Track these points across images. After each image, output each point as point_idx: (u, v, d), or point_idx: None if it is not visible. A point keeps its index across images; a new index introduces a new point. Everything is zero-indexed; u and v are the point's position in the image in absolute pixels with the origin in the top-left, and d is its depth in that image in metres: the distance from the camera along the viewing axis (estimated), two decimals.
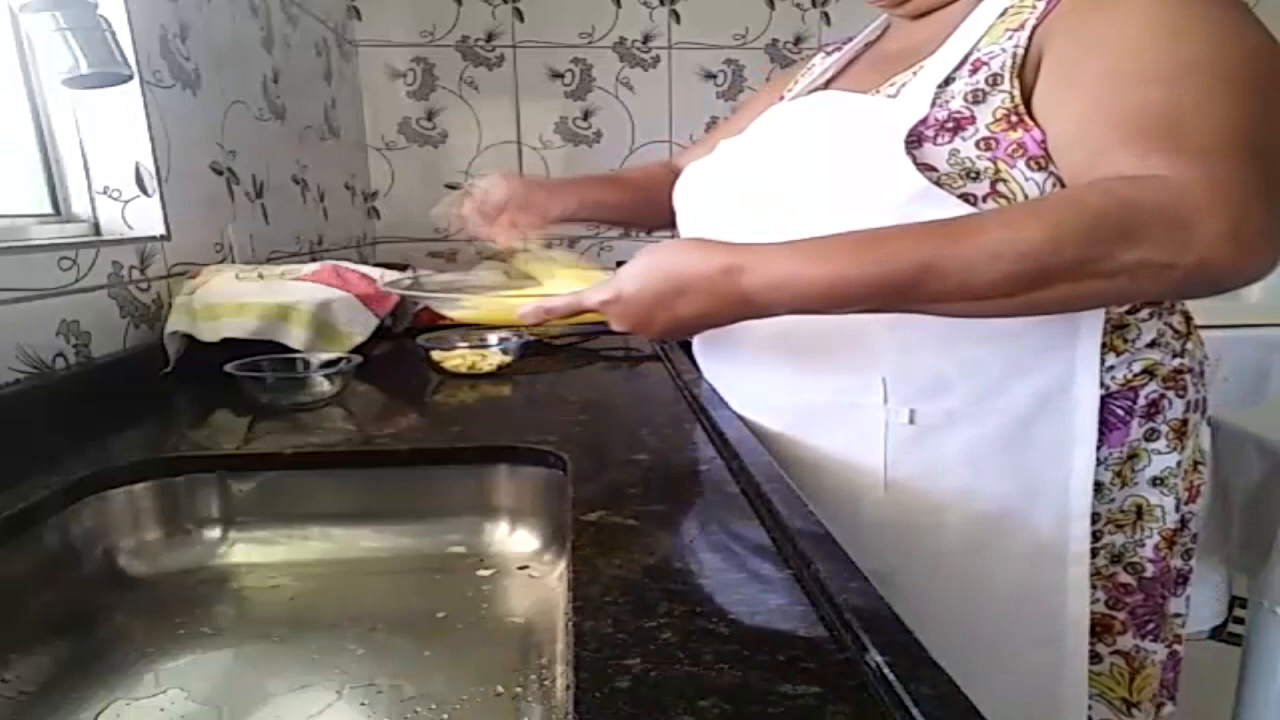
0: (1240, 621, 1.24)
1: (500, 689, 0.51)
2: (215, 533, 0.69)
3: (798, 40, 2.10)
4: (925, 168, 0.56)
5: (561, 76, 2.06)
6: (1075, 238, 0.47)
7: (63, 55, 0.76)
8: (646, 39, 2.06)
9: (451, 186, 2.09)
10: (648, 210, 0.96)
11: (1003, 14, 0.59)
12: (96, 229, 0.99)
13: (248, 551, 0.68)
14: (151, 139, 1.00)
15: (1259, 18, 0.52)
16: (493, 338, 1.06)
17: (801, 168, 0.65)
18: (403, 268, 1.24)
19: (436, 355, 0.97)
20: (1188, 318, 0.68)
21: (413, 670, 0.53)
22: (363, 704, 0.50)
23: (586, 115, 2.09)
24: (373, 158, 2.05)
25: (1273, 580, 1.08)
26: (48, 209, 0.96)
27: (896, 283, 0.50)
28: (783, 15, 2.08)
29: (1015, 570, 0.64)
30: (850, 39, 0.83)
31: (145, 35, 0.99)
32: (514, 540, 0.70)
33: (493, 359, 0.97)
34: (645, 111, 2.11)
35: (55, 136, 0.96)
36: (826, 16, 2.09)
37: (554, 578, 0.65)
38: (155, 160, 1.01)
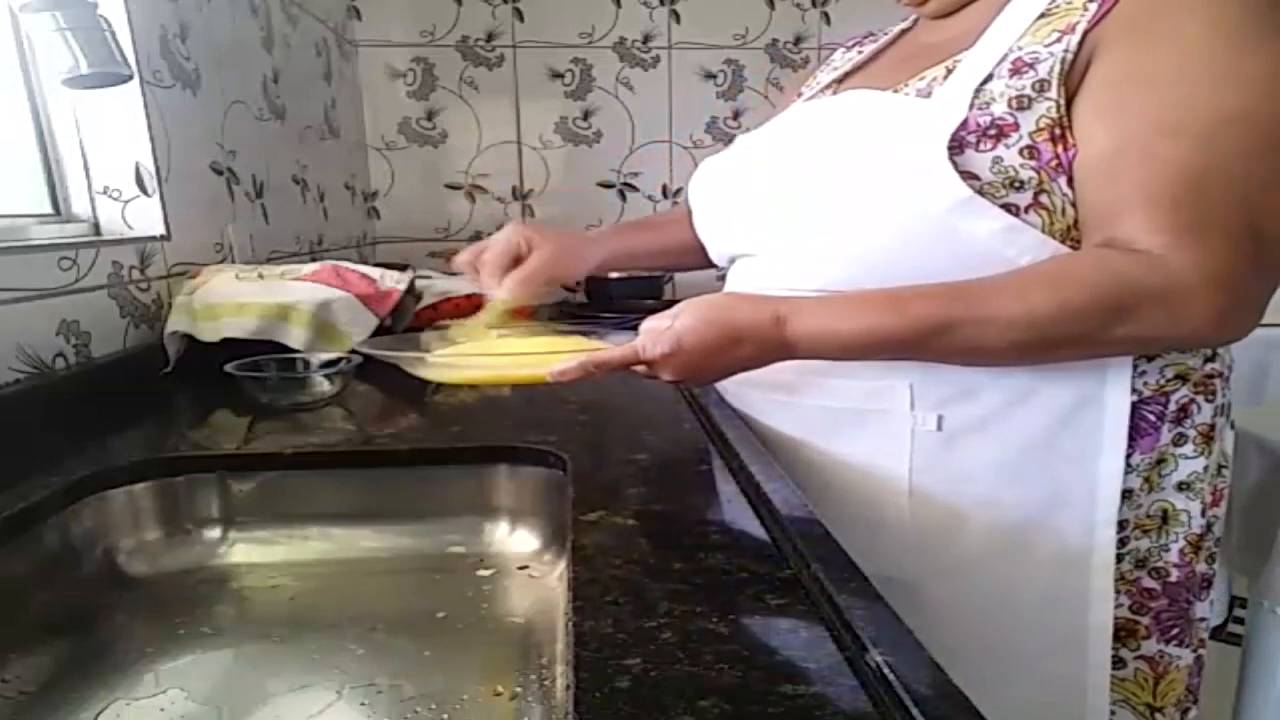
0: (1240, 621, 1.24)
1: (500, 689, 0.51)
2: (215, 533, 0.69)
3: (798, 40, 2.10)
4: (967, 175, 0.56)
5: (561, 76, 2.06)
6: (1078, 315, 0.52)
7: (63, 55, 0.76)
8: (646, 39, 2.06)
9: (452, 186, 2.09)
10: (684, 250, 0.90)
11: (1044, 14, 0.58)
12: (96, 229, 0.99)
13: (248, 551, 0.68)
14: (151, 139, 1.00)
15: None
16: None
17: (831, 169, 0.63)
18: (402, 268, 1.23)
19: None
20: None
21: (413, 670, 0.53)
22: (363, 704, 0.50)
23: (586, 115, 2.09)
24: (373, 158, 2.05)
25: (1273, 580, 1.08)
26: (48, 209, 0.96)
27: (917, 339, 0.56)
28: (783, 15, 2.08)
29: (1039, 578, 0.63)
30: (872, 34, 0.80)
31: (145, 35, 0.99)
32: (514, 540, 0.70)
33: None
34: (645, 111, 2.10)
35: (55, 136, 0.96)
36: (826, 16, 2.09)
37: (554, 578, 0.65)
38: (155, 160, 1.01)
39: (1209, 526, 0.66)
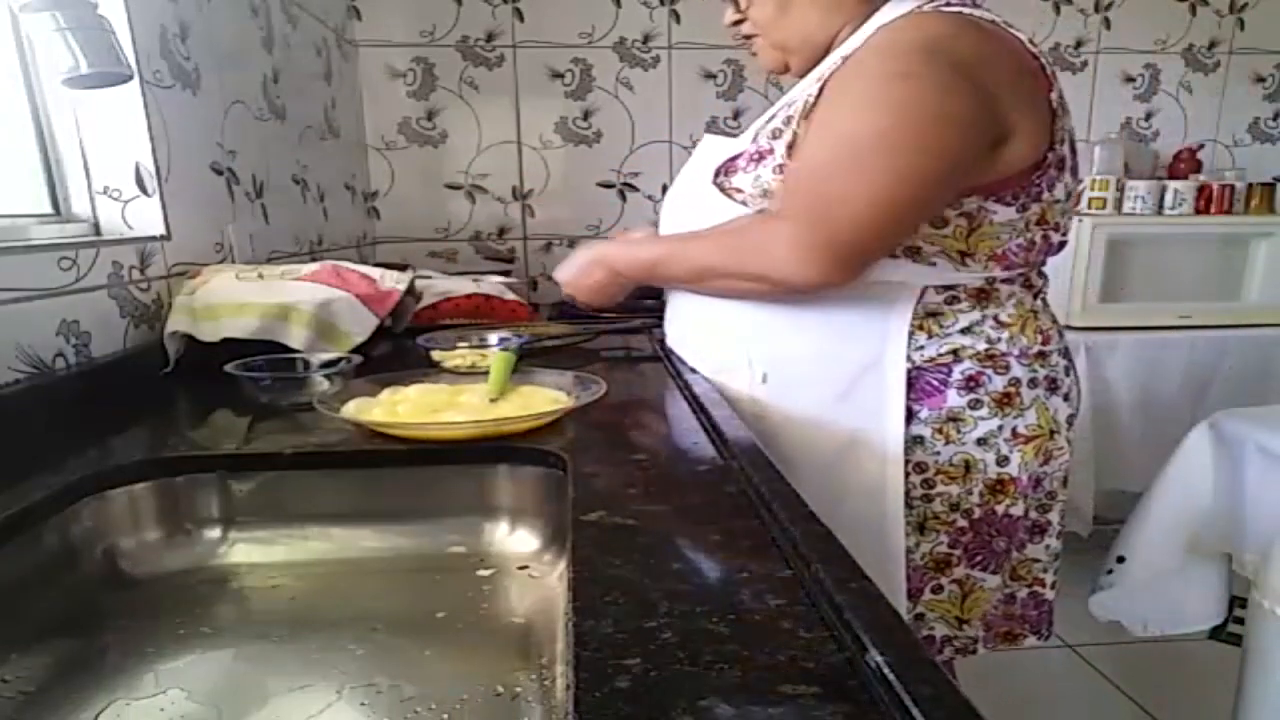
0: (1240, 621, 1.24)
1: (500, 689, 0.51)
2: (215, 533, 0.69)
3: None
4: (736, 190, 0.80)
5: (561, 76, 2.06)
6: (720, 252, 0.78)
7: (63, 55, 0.76)
8: (646, 39, 2.06)
9: (452, 186, 2.09)
10: None
11: (819, 77, 0.77)
12: (96, 229, 0.99)
13: (248, 551, 0.68)
14: (151, 139, 1.00)
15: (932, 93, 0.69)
16: (493, 337, 1.06)
17: (694, 187, 0.87)
18: (402, 268, 1.24)
19: (436, 355, 0.97)
20: (1028, 313, 0.81)
21: (413, 670, 0.53)
22: (363, 704, 0.50)
23: (586, 115, 2.09)
24: (373, 158, 2.05)
25: (1273, 580, 1.08)
26: (48, 209, 0.96)
27: (656, 261, 0.86)
28: None
29: (853, 507, 0.79)
30: None
31: (145, 35, 0.99)
32: (514, 540, 0.70)
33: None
34: (645, 111, 2.11)
35: (55, 136, 0.96)
36: None
37: (554, 578, 0.65)
38: (155, 160, 1.01)
39: (1037, 481, 0.83)
